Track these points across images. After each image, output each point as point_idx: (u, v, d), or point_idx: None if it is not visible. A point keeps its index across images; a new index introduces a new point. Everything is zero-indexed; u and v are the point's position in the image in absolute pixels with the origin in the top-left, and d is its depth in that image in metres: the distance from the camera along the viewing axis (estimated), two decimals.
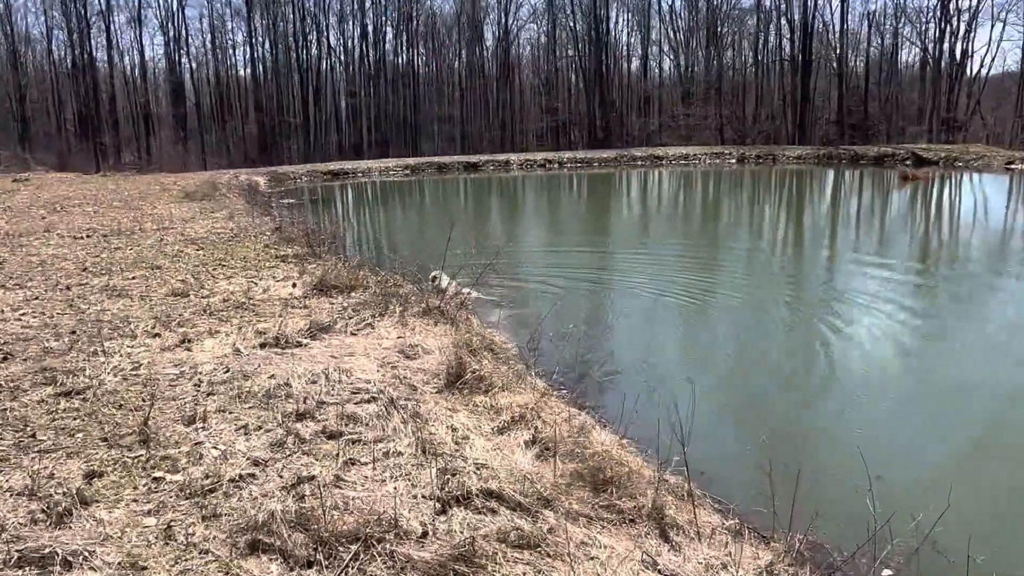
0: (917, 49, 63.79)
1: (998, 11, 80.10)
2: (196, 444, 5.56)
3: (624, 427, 6.63)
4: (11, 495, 4.78)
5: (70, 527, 4.43)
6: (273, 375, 6.97)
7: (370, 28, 69.33)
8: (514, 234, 23.23)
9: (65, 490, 4.77)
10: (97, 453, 5.39)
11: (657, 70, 74.19)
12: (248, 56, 70.46)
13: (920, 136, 56.10)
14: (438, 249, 12.13)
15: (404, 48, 70.69)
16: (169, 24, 66.64)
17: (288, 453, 5.44)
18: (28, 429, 5.80)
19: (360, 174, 46.37)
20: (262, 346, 7.97)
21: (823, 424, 8.02)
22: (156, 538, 4.37)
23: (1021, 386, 9.08)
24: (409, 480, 5.09)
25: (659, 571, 4.45)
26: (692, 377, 9.00)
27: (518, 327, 11.06)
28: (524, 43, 76.18)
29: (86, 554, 4.16)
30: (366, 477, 5.12)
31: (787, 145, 54.19)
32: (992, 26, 76.25)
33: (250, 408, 6.27)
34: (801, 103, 58.71)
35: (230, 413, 6.14)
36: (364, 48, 69.51)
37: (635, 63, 73.61)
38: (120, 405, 6.27)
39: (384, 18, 69.58)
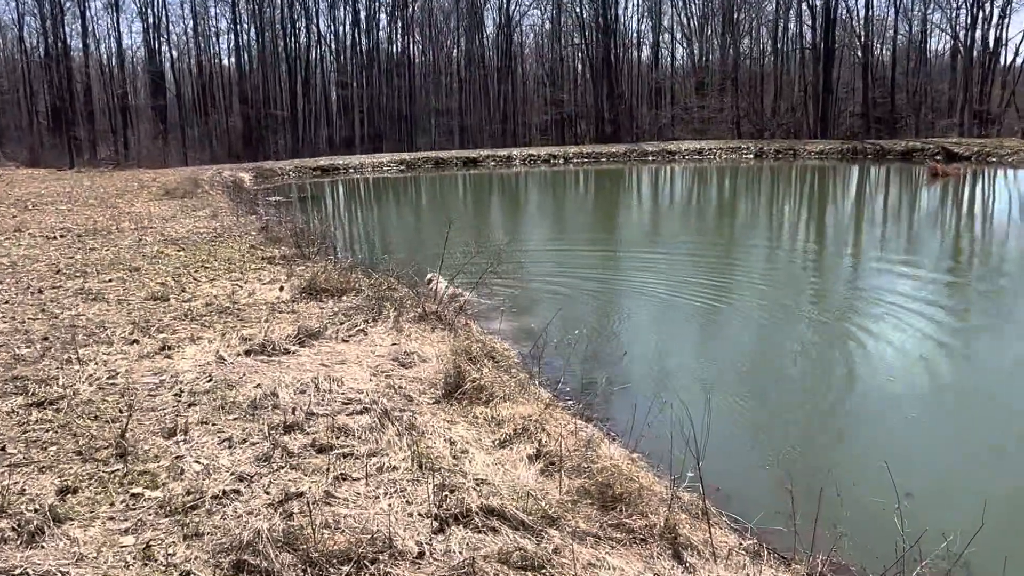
0: (947, 37, 63.78)
1: None
2: (177, 458, 5.56)
3: (634, 440, 6.62)
4: None
5: (42, 546, 4.43)
6: (259, 384, 6.98)
7: (363, 14, 69.48)
8: (516, 234, 23.23)
9: (37, 507, 4.77)
10: (71, 468, 5.39)
11: (669, 59, 74.33)
12: (232, 44, 70.95)
13: (951, 130, 55.99)
14: (435, 250, 12.14)
15: (399, 36, 70.82)
16: (148, 10, 66.77)
17: (275, 468, 5.44)
18: None
19: (352, 170, 46.40)
20: (247, 353, 7.97)
21: (847, 437, 8.00)
22: (134, 558, 4.37)
23: None
24: (404, 497, 5.09)
25: None
26: (707, 387, 8.99)
27: (521, 333, 11.06)
28: (527, 30, 76.49)
29: (59, 575, 4.16)
30: (358, 493, 5.12)
31: (808, 139, 54.12)
32: None
33: (234, 419, 6.27)
34: (823, 95, 58.63)
35: (213, 425, 6.15)
36: (356, 36, 69.65)
37: (646, 52, 73.71)
38: (96, 416, 6.28)
39: (378, 4, 69.71)
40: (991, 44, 58.12)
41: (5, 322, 9.25)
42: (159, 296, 10.57)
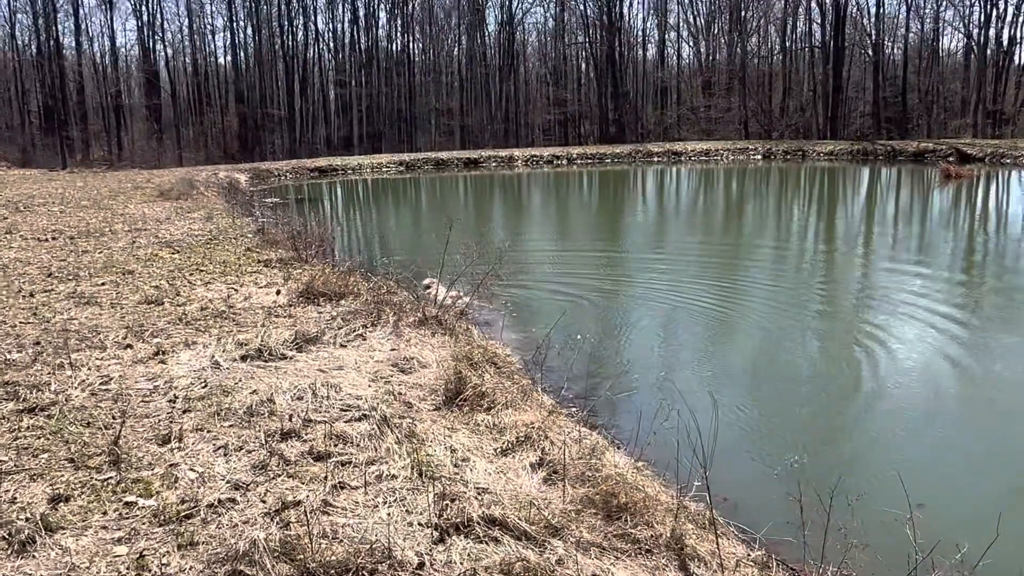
0: (960, 35, 63.86)
1: None
2: (171, 466, 5.56)
3: (639, 448, 6.61)
4: None
5: (33, 556, 4.43)
6: (255, 390, 6.98)
7: (361, 12, 69.65)
8: (519, 237, 23.23)
9: (28, 516, 4.77)
10: (63, 475, 5.39)
11: (675, 58, 74.46)
12: (228, 42, 71.00)
13: (964, 130, 56.04)
14: (435, 253, 12.14)
15: (398, 34, 70.98)
16: (143, 8, 67.02)
17: (271, 476, 5.44)
18: None
19: (350, 171, 46.45)
20: (243, 358, 7.98)
21: (858, 446, 7.99)
22: (127, 569, 4.37)
23: None
24: (404, 506, 5.09)
25: None
26: (713, 393, 8.98)
27: (523, 338, 11.06)
28: (529, 28, 76.65)
29: None
30: (357, 502, 5.12)
31: (817, 140, 54.15)
32: None
33: (230, 426, 6.27)
34: (833, 94, 58.66)
35: (208, 432, 6.15)
36: (355, 34, 69.79)
37: (651, 50, 73.86)
38: (88, 423, 6.28)
39: (377, 1, 69.84)
40: (1005, 42, 58.25)
41: None
42: (153, 300, 10.58)
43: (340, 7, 70.21)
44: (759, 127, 62.41)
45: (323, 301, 10.54)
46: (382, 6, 70.64)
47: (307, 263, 13.37)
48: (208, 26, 72.80)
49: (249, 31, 68.21)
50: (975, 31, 59.59)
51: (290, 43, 68.53)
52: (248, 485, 5.30)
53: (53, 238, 16.17)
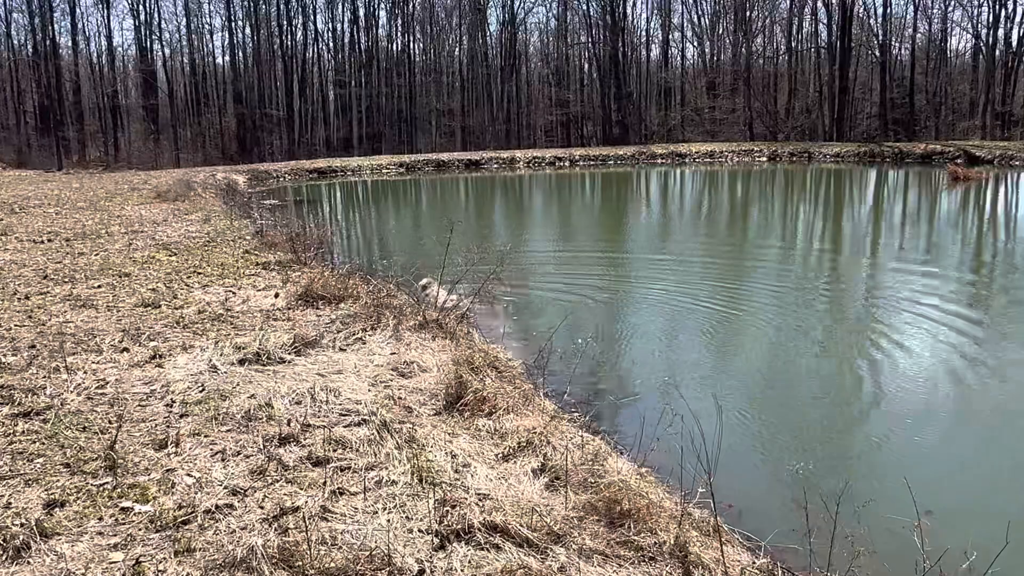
0: (968, 36, 64.02)
1: None
2: (168, 471, 5.57)
3: (643, 454, 6.61)
4: None
5: (28, 562, 4.43)
6: (253, 395, 6.99)
7: (361, 11, 69.70)
8: (520, 239, 23.23)
9: (23, 521, 4.77)
10: (58, 480, 5.40)
11: (679, 58, 74.50)
12: (227, 42, 71.13)
13: (972, 132, 56.03)
14: (436, 255, 12.15)
15: (399, 34, 71.03)
16: (140, 7, 67.10)
17: (270, 481, 5.44)
18: None
19: (350, 172, 46.49)
20: (241, 362, 7.98)
21: (864, 451, 7.98)
22: (123, 575, 4.37)
23: None
24: (404, 512, 5.09)
25: None
26: (718, 398, 8.98)
27: (525, 342, 11.06)
28: (532, 28, 76.69)
29: None
30: (356, 508, 5.12)
31: (824, 142, 54.11)
32: None
33: (228, 431, 6.27)
34: (839, 95, 58.63)
35: (206, 437, 6.15)
36: (355, 33, 69.84)
37: (655, 51, 73.91)
38: (84, 427, 6.28)
39: (377, 0, 69.89)
40: (1014, 43, 58.12)
41: None
42: (150, 303, 10.58)
43: (340, 7, 70.34)
44: (764, 128, 62.42)
45: (322, 304, 10.54)
46: (382, 6, 70.85)
47: (306, 266, 13.37)
48: (206, 25, 73.10)
49: (248, 31, 68.40)
50: (984, 31, 59.64)
51: (289, 43, 68.63)
52: (246, 491, 5.30)
53: (49, 240, 16.18)
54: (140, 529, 4.80)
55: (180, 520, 4.89)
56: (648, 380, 9.99)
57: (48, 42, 62.46)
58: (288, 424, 6.31)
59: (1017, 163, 40.48)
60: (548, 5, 74.56)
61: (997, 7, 56.96)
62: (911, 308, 13.04)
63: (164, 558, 4.51)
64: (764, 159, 48.24)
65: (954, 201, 30.96)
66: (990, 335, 11.93)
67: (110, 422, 6.36)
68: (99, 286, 11.69)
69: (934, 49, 64.04)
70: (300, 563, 4.39)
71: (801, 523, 5.04)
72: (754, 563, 5.20)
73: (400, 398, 7.18)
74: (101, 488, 5.29)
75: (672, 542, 4.99)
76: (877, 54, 62.04)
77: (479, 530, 4.84)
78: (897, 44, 65.00)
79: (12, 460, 5.69)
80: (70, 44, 65.94)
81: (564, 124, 70.58)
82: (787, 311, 13.37)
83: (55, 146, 56.13)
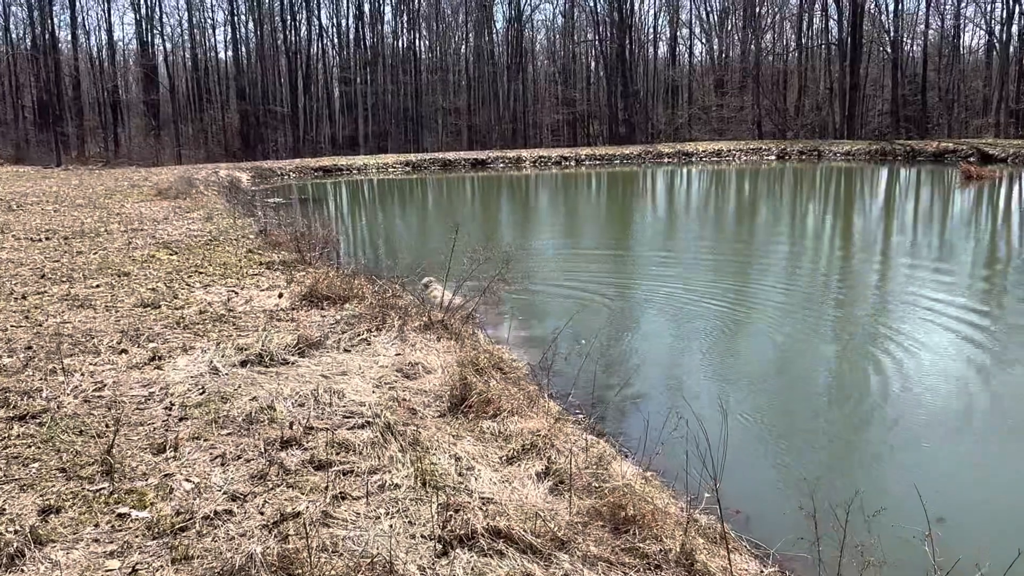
0: (982, 32, 63.78)
1: None
2: (166, 476, 5.55)
3: (648, 458, 6.59)
4: None
5: (22, 570, 4.41)
6: (255, 397, 6.97)
7: (366, 7, 69.76)
8: (526, 240, 23.23)
9: (17, 527, 4.76)
10: (54, 486, 5.38)
11: (687, 56, 74.50)
12: (229, 37, 71.19)
13: (985, 130, 55.89)
14: (442, 256, 12.12)
15: (404, 30, 71.05)
16: (141, 1, 67.08)
17: (270, 486, 5.42)
18: None
19: (355, 171, 46.54)
20: (243, 364, 7.97)
21: (875, 458, 7.94)
22: None
23: None
24: (407, 517, 5.07)
25: None
26: (724, 402, 8.94)
27: (529, 343, 11.04)
28: (538, 25, 76.62)
29: None
30: (358, 513, 5.09)
31: (834, 140, 54.03)
32: None
33: (228, 435, 6.25)
34: (850, 92, 58.49)
35: (205, 440, 6.13)
36: (360, 30, 69.89)
37: (662, 48, 73.98)
38: (81, 431, 6.27)
39: None
40: None
41: None
42: (150, 303, 10.58)
43: (345, 2, 70.54)
44: (773, 126, 62.34)
45: (327, 305, 10.53)
46: (387, 1, 70.98)
47: (311, 265, 13.37)
48: (208, 20, 73.20)
49: (251, 25, 68.46)
50: (997, 27, 59.46)
51: (293, 38, 68.69)
52: (246, 496, 5.28)
53: (47, 238, 16.20)
54: (137, 536, 4.78)
55: (178, 527, 4.87)
56: (653, 382, 9.97)
57: (47, 36, 62.53)
58: (290, 427, 6.30)
59: None
60: (555, 2, 74.59)
61: (1011, 2, 56.74)
62: (923, 310, 12.99)
63: (161, 566, 4.49)
64: (773, 158, 48.17)
65: (967, 200, 30.86)
66: (1003, 338, 11.88)
67: (107, 426, 6.34)
68: (98, 286, 11.69)
69: (947, 45, 63.91)
70: (300, 571, 4.36)
71: (810, 531, 5.00)
72: (762, 572, 5.17)
73: (404, 400, 7.17)
74: (97, 494, 5.27)
75: (678, 549, 4.96)
76: (888, 50, 61.91)
77: (482, 536, 4.82)
78: (909, 40, 64.97)
79: (7, 464, 5.68)
80: (69, 38, 66.13)
81: (570, 123, 70.57)
82: (795, 313, 13.32)
83: (54, 142, 56.11)
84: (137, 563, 4.51)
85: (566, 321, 11.21)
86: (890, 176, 40.28)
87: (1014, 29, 57.60)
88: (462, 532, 4.84)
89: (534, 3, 73.38)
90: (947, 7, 63.51)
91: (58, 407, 6.72)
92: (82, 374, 7.63)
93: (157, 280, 12.09)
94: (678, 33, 72.89)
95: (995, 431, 8.62)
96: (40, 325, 9.44)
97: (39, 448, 5.95)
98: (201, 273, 12.68)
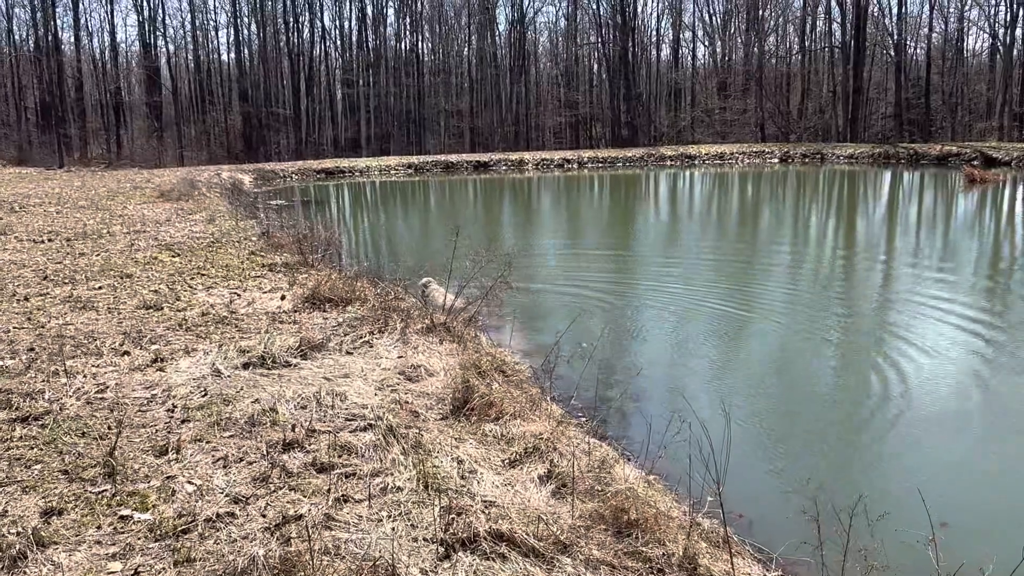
0: (985, 35, 63.64)
1: None
2: (168, 478, 5.54)
3: (651, 461, 6.58)
4: None
5: (24, 572, 4.41)
6: (257, 399, 6.96)
7: (369, 9, 69.82)
8: (529, 242, 23.23)
9: (19, 529, 4.76)
10: (56, 488, 5.38)
11: (690, 58, 74.49)
12: (232, 39, 71.13)
13: (989, 133, 55.82)
14: (444, 258, 12.12)
15: (407, 33, 71.12)
16: (144, 3, 67.21)
17: (273, 489, 5.42)
18: None
19: (357, 173, 46.58)
20: (245, 366, 7.96)
21: (878, 462, 7.94)
22: None
23: None
24: (409, 520, 5.06)
25: None
26: (728, 405, 8.92)
27: (532, 346, 11.05)
28: (541, 28, 76.59)
29: None
30: (360, 516, 5.09)
31: (837, 143, 54.05)
32: None
33: (230, 437, 6.25)
34: (853, 96, 58.51)
35: (207, 443, 6.13)
36: (362, 32, 69.96)
37: (665, 50, 73.95)
38: (83, 433, 6.26)
39: None
40: None
41: None
42: (152, 305, 10.58)
43: (347, 4, 70.64)
44: (776, 129, 62.35)
45: (329, 307, 10.53)
46: (390, 4, 71.09)
47: (313, 268, 13.36)
48: (211, 22, 73.23)
49: (253, 27, 68.54)
50: (1001, 31, 59.39)
51: (296, 40, 68.78)
52: (248, 498, 5.28)
53: (49, 240, 16.20)
54: (139, 538, 4.78)
55: (180, 529, 4.87)
56: (656, 385, 9.97)
57: (50, 37, 62.50)
58: (293, 429, 6.29)
59: None
60: (557, 4, 74.55)
61: (1015, 6, 56.69)
62: (926, 313, 12.98)
63: (163, 568, 4.49)
64: (776, 161, 48.18)
65: (970, 203, 30.85)
66: (1007, 341, 11.87)
67: (110, 428, 6.34)
68: (100, 287, 11.69)
69: (950, 49, 63.85)
70: (302, 573, 4.36)
71: (813, 535, 4.99)
72: None
73: (407, 402, 7.16)
74: (100, 496, 5.27)
75: (681, 553, 4.95)
76: (892, 54, 61.88)
77: (485, 539, 4.81)
78: (912, 43, 64.90)
79: (9, 466, 5.68)
80: (72, 40, 66.20)
81: (573, 125, 70.58)
82: (799, 315, 13.32)
83: (56, 143, 56.13)
84: (139, 565, 4.51)
85: (568, 324, 11.21)
86: (893, 179, 40.26)
87: (1018, 32, 57.67)
88: (464, 535, 4.84)
89: (537, 5, 73.47)
90: (951, 10, 63.52)
91: (60, 409, 6.72)
92: (84, 376, 7.62)
93: (159, 282, 12.09)
94: (681, 36, 73.01)
95: (998, 433, 8.61)
96: (42, 327, 9.45)
97: (41, 450, 5.95)
98: (203, 275, 12.68)
